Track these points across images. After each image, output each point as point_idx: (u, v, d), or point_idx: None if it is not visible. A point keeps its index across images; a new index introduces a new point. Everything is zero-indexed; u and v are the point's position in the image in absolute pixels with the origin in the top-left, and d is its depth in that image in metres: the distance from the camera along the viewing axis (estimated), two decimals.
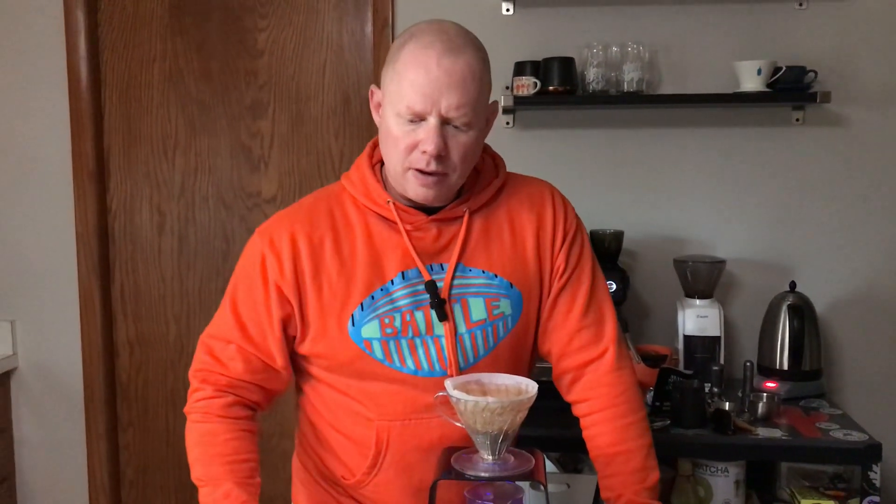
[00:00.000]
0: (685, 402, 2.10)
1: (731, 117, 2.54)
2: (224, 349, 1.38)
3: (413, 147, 1.28)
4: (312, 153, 2.76)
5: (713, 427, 2.08)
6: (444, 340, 1.33)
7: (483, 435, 1.20)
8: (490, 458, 1.21)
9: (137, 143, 2.81)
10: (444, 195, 1.35)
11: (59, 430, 2.85)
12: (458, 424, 1.22)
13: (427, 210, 1.37)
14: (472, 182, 1.41)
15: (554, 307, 1.42)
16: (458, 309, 1.35)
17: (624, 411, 1.40)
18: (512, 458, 1.22)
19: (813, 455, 2.09)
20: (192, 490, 2.96)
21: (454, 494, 1.31)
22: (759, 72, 2.37)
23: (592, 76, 2.47)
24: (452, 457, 1.24)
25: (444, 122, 1.27)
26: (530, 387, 1.22)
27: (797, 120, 2.52)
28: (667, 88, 2.54)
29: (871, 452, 2.00)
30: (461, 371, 1.33)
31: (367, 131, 2.72)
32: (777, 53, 2.46)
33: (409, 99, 1.25)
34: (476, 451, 1.22)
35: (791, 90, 2.41)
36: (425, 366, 1.34)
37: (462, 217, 1.37)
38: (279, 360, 1.38)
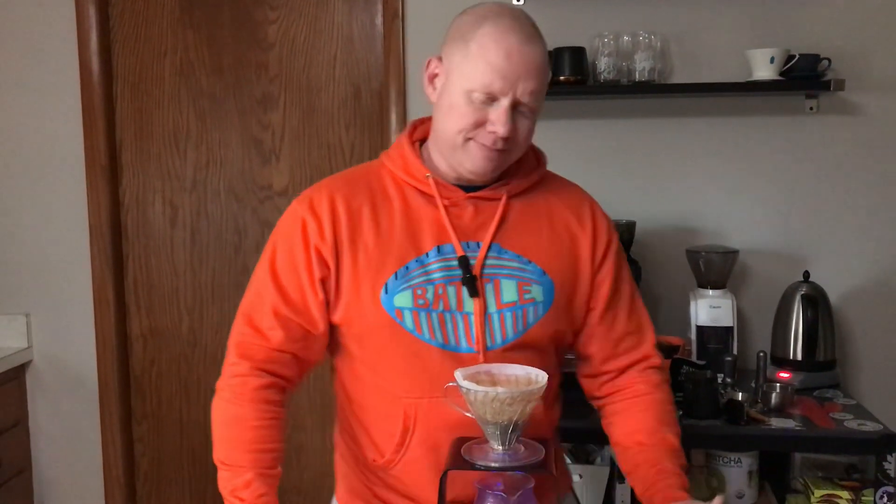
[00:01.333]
0: (698, 392, 2.09)
1: (743, 106, 2.52)
2: (263, 317, 1.38)
3: (479, 124, 1.31)
4: (323, 145, 2.76)
5: (726, 418, 2.07)
6: (473, 318, 1.34)
7: (493, 425, 1.19)
8: (500, 448, 1.21)
9: (149, 136, 2.82)
10: (497, 171, 1.38)
11: (74, 422, 2.87)
12: (468, 415, 1.22)
13: (465, 189, 1.39)
14: (513, 168, 1.43)
15: (602, 317, 1.45)
16: (489, 288, 1.36)
17: (659, 399, 1.45)
18: (522, 449, 1.22)
19: (826, 445, 2.08)
20: (207, 482, 2.99)
21: (467, 485, 1.31)
22: (772, 60, 2.35)
23: (603, 66, 2.46)
24: (463, 447, 1.24)
25: (515, 105, 1.30)
26: (540, 377, 1.21)
27: (811, 108, 2.50)
28: (679, 77, 2.53)
29: (885, 442, 1.98)
30: (489, 351, 1.34)
31: (377, 123, 2.72)
32: (790, 41, 2.43)
33: (488, 79, 1.28)
34: (486, 442, 1.22)
35: (804, 78, 2.39)
36: (452, 341, 1.34)
37: (500, 199, 1.39)
38: (320, 325, 1.39)
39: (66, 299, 2.83)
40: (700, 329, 2.40)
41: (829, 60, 2.41)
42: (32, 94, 2.76)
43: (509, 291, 1.36)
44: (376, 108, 2.71)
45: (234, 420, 1.38)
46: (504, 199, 1.39)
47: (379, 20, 2.66)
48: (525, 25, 1.32)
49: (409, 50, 2.62)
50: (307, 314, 1.38)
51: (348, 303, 1.37)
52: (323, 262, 1.36)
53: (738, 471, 2.15)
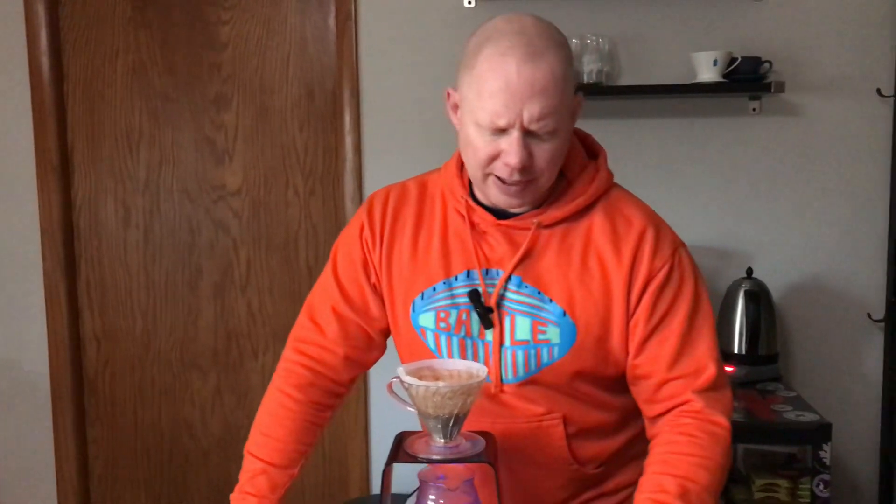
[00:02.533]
0: None
1: (689, 108, 2.59)
2: (323, 311, 1.41)
3: (494, 157, 1.22)
4: (277, 145, 2.77)
5: None
6: (492, 348, 1.32)
7: (435, 419, 1.22)
8: (442, 441, 1.24)
9: (101, 137, 2.81)
10: (532, 199, 1.29)
11: (26, 425, 2.85)
12: (410, 409, 1.25)
13: (500, 213, 1.31)
14: (562, 191, 1.31)
15: (640, 353, 1.29)
16: (507, 321, 1.30)
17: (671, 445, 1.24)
18: (464, 441, 1.25)
19: (766, 436, 2.14)
20: (162, 483, 2.98)
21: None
22: (714, 62, 2.42)
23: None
24: (406, 440, 1.27)
25: (527, 133, 1.20)
26: (481, 371, 1.25)
27: (753, 110, 2.57)
28: (626, 80, 2.58)
29: (821, 432, 2.05)
30: (504, 384, 1.32)
31: (331, 124, 2.74)
32: (733, 45, 2.50)
33: (490, 111, 1.19)
34: (429, 435, 1.25)
35: (746, 80, 2.46)
36: None
37: (529, 229, 1.29)
38: (378, 323, 1.40)
39: (18, 301, 2.81)
40: None
41: (771, 63, 2.48)
42: None
43: (522, 329, 1.29)
44: (330, 109, 2.73)
45: (270, 408, 1.40)
46: (532, 228, 1.29)
47: (332, 21, 2.68)
48: (531, 39, 1.19)
49: (362, 51, 2.65)
50: (366, 314, 1.40)
51: (390, 311, 1.39)
52: (374, 269, 1.39)
53: None
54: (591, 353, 1.29)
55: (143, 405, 2.89)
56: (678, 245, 1.32)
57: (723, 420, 1.25)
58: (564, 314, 1.28)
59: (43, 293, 2.80)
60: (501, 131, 1.20)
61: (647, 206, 1.37)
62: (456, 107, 1.30)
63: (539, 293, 1.29)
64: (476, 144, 1.23)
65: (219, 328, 2.85)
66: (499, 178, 1.24)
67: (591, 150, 1.39)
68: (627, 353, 1.30)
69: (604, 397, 1.35)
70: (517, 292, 1.29)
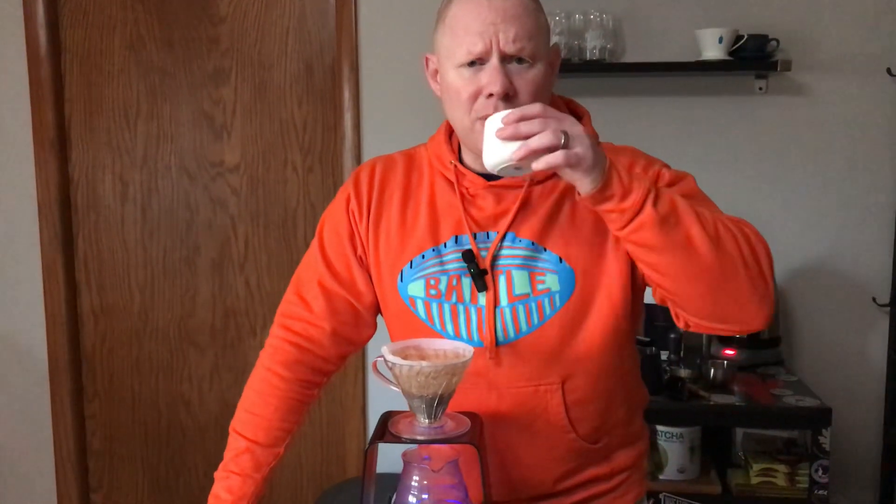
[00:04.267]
0: (641, 369, 2.11)
1: (694, 86, 2.54)
2: (309, 286, 1.39)
3: (477, 94, 1.21)
4: (276, 121, 2.74)
5: (668, 394, 2.10)
6: (484, 312, 1.29)
7: (419, 399, 1.20)
8: (427, 421, 1.21)
9: (99, 111, 2.78)
10: None
11: (24, 400, 2.85)
12: (395, 389, 1.22)
13: (489, 176, 1.29)
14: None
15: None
16: (501, 280, 1.28)
17: None
18: (449, 422, 1.23)
19: (765, 420, 2.12)
20: (160, 459, 2.98)
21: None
22: (720, 40, 2.37)
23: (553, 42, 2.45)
24: (390, 420, 1.24)
25: (506, 59, 1.20)
26: (467, 351, 1.22)
27: (760, 88, 2.52)
28: (630, 57, 2.54)
29: (821, 417, 2.03)
30: (498, 346, 1.29)
31: (330, 100, 2.70)
32: (739, 22, 2.45)
33: (467, 43, 1.20)
34: (413, 415, 1.23)
35: (752, 58, 2.41)
36: (464, 334, 1.30)
37: (521, 186, 1.28)
38: (366, 297, 1.38)
39: (15, 276, 2.80)
40: (648, 307, 2.42)
41: (778, 41, 2.43)
42: None
43: (521, 283, 1.27)
44: (329, 85, 2.70)
45: (255, 386, 1.39)
46: (525, 185, 1.28)
47: None
48: None
49: (362, 26, 2.61)
50: (353, 287, 1.38)
51: (377, 284, 1.37)
52: (360, 240, 1.37)
53: (679, 446, 2.19)
54: (591, 297, 1.27)
55: (141, 381, 2.88)
56: (666, 164, 1.34)
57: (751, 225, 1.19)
58: (561, 260, 1.27)
59: (40, 268, 2.79)
60: (480, 63, 1.20)
61: (632, 146, 1.37)
62: (436, 73, 1.30)
63: (533, 244, 1.28)
64: (457, 86, 1.22)
65: (217, 305, 2.83)
66: (486, 119, 1.21)
67: (575, 113, 1.37)
68: (629, 290, 1.26)
69: (604, 358, 1.30)
70: (511, 247, 1.28)
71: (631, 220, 1.10)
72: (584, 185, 1.09)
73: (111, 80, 2.76)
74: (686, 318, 1.20)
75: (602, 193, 1.09)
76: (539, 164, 1.05)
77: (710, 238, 1.12)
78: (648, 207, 1.09)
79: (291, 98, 2.72)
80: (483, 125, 1.19)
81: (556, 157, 1.05)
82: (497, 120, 1.09)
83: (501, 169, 1.10)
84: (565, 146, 1.05)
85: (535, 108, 1.06)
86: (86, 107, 2.78)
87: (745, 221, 1.20)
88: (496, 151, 1.08)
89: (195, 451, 2.90)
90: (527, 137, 1.05)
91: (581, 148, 1.05)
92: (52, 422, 2.85)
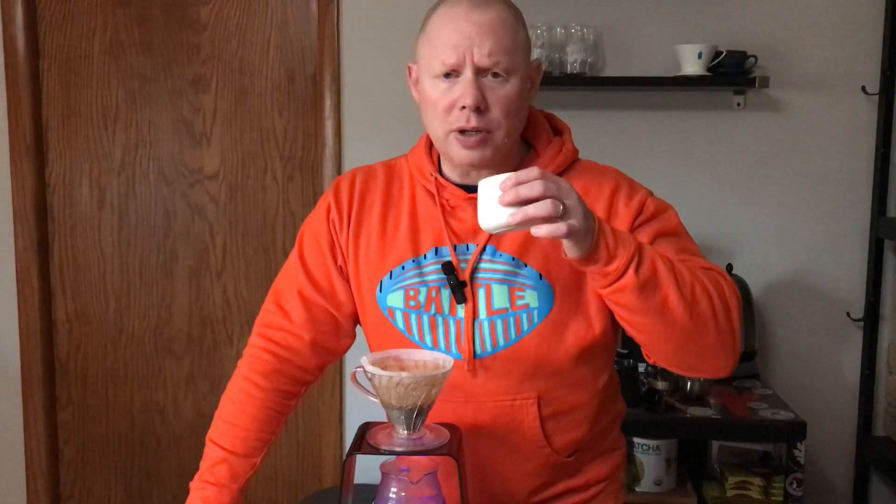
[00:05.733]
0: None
1: (673, 101, 2.56)
2: (289, 296, 1.38)
3: (451, 106, 1.23)
4: (256, 129, 2.73)
5: (645, 406, 2.11)
6: (463, 324, 1.29)
7: (398, 410, 1.19)
8: (405, 432, 1.21)
9: (77, 116, 2.76)
10: (491, 158, 1.26)
11: None
12: (373, 400, 1.22)
13: (470, 188, 1.29)
14: (530, 161, 1.33)
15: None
16: (481, 293, 1.29)
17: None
18: (428, 433, 1.22)
19: (740, 433, 2.13)
20: (133, 469, 2.94)
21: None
22: (699, 55, 2.40)
23: (535, 57, 2.47)
24: (368, 431, 1.24)
25: (480, 72, 1.22)
26: (447, 362, 1.22)
27: (738, 104, 2.55)
28: (610, 71, 2.55)
29: (796, 430, 2.04)
30: (476, 359, 1.29)
31: (311, 108, 2.70)
32: (718, 38, 2.48)
33: (442, 55, 1.22)
34: (392, 427, 1.23)
35: (731, 74, 2.44)
36: (443, 346, 1.30)
37: None
38: (346, 307, 1.38)
39: None
40: None
41: (756, 58, 2.46)
42: None
43: (500, 297, 1.28)
44: (310, 93, 2.69)
45: (233, 395, 1.38)
46: None
47: (314, 4, 2.64)
48: None
49: (344, 35, 2.61)
50: (333, 297, 1.38)
51: (356, 294, 1.37)
52: (341, 250, 1.37)
53: (656, 458, 2.20)
54: (569, 315, 1.28)
55: (116, 389, 2.85)
56: (650, 192, 1.33)
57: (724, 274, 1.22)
58: (541, 277, 1.28)
59: (14, 274, 2.75)
60: (456, 76, 1.22)
61: (615, 168, 1.37)
62: (417, 82, 1.31)
63: (514, 259, 1.28)
64: (433, 97, 1.25)
65: (193, 313, 2.81)
66: (459, 131, 1.24)
67: (555, 128, 1.40)
68: (607, 309, 1.26)
69: (581, 374, 1.31)
70: (492, 261, 1.29)
71: (612, 283, 1.12)
72: (572, 250, 1.11)
73: (90, 84, 2.74)
74: (655, 360, 1.24)
75: (589, 258, 1.11)
76: (540, 232, 1.06)
77: (686, 302, 1.14)
78: (630, 273, 1.11)
79: (272, 106, 2.72)
80: (457, 138, 1.24)
81: (558, 229, 1.05)
82: (492, 184, 1.08)
83: (497, 230, 1.10)
84: (563, 217, 1.05)
85: (533, 172, 1.06)
86: (64, 111, 2.76)
87: (721, 270, 1.24)
88: (493, 215, 1.08)
89: (170, 460, 2.87)
90: (526, 201, 1.05)
91: (576, 219, 1.06)
92: (23, 429, 2.81)
